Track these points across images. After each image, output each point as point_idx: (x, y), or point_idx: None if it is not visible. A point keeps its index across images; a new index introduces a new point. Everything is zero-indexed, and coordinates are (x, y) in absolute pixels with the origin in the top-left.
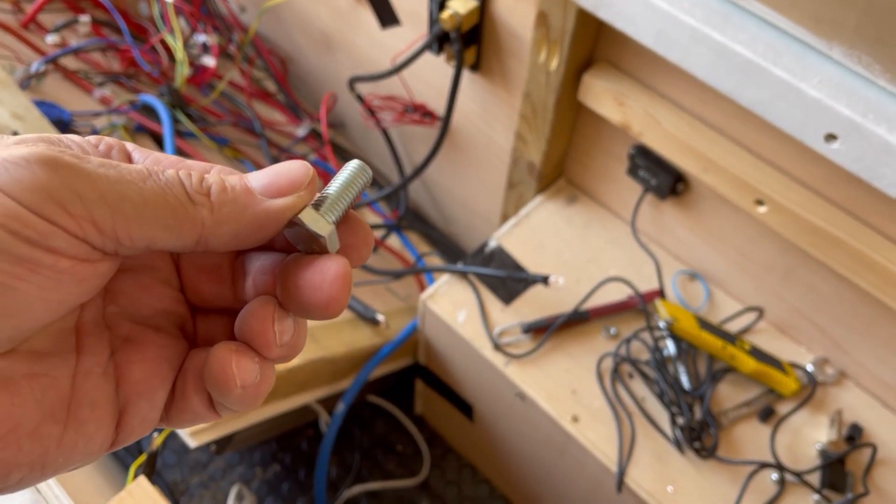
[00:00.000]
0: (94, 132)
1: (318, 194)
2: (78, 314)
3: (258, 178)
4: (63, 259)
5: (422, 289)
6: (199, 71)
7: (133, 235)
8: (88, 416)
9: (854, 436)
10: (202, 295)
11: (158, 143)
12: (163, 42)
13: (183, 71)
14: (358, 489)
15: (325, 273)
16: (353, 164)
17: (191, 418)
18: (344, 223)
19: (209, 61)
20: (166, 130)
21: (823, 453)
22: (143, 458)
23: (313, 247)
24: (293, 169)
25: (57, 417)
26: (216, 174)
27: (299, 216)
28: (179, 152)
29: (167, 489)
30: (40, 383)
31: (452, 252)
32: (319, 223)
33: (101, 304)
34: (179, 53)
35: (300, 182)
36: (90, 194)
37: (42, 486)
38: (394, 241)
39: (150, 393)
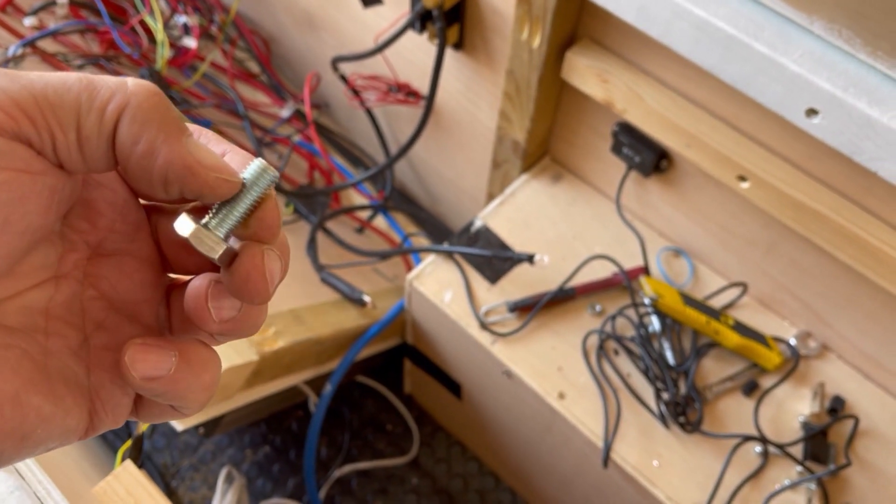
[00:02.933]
0: None
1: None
2: (50, 295)
3: (206, 135)
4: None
5: (409, 269)
6: (180, 52)
7: (62, 121)
8: (65, 392)
9: (836, 408)
10: (184, 266)
11: None
12: (143, 23)
13: (164, 53)
14: (348, 468)
15: (243, 265)
16: (254, 167)
17: (158, 413)
18: (250, 215)
19: (190, 42)
20: None
21: (806, 425)
22: (129, 442)
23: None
24: (224, 161)
25: (37, 388)
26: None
27: (189, 237)
28: None
29: (157, 473)
30: (14, 353)
31: (440, 232)
32: (210, 243)
33: (78, 288)
34: (160, 35)
35: (222, 170)
36: (12, 86)
37: (26, 472)
38: (380, 221)
39: (121, 380)
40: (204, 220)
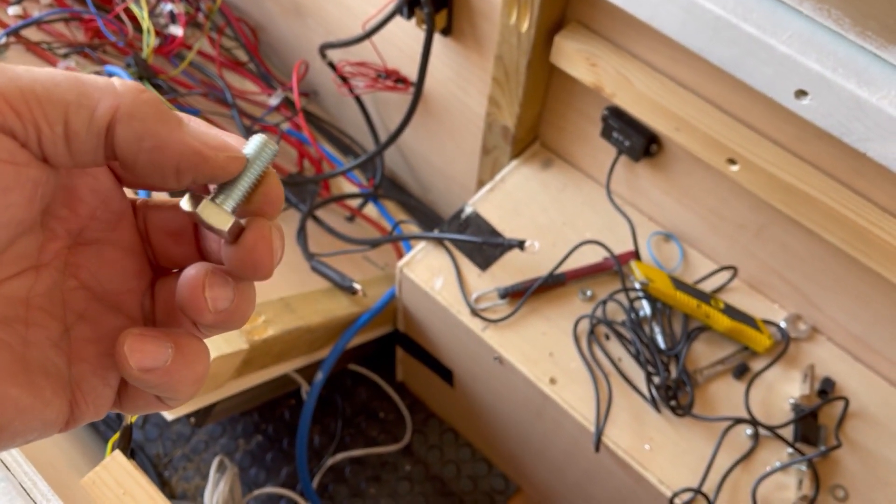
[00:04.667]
0: None
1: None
2: (31, 285)
3: (195, 120)
4: None
5: (400, 256)
6: (166, 41)
7: (49, 115)
8: (44, 383)
9: (826, 389)
10: (171, 257)
11: None
12: (128, 11)
13: (150, 41)
14: (341, 456)
15: (251, 236)
16: (256, 142)
17: (143, 405)
18: (254, 191)
19: (176, 31)
20: None
21: (796, 407)
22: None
23: (214, 230)
24: (228, 138)
25: (16, 380)
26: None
27: (197, 211)
28: None
29: (150, 463)
30: None
31: (430, 219)
32: (219, 217)
33: (59, 277)
34: (145, 23)
35: (228, 150)
36: (0, 78)
37: (11, 462)
38: (370, 209)
39: (103, 371)
40: (210, 197)
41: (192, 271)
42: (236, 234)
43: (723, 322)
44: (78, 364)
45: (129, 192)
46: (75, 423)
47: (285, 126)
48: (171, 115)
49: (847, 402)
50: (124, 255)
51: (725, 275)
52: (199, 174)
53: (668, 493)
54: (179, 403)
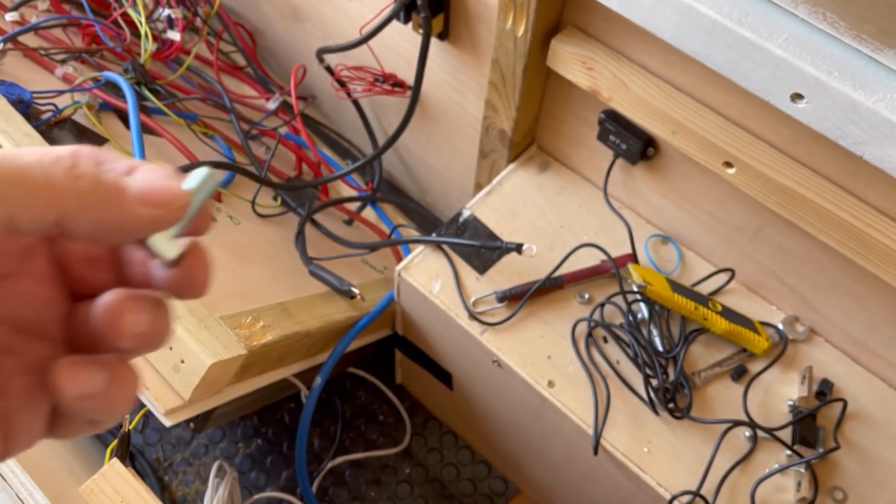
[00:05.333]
0: (57, 111)
1: None
2: None
3: (137, 183)
4: None
5: (398, 260)
6: (164, 45)
7: None
8: None
9: (824, 391)
10: (86, 284)
11: (124, 120)
12: (126, 17)
13: (147, 46)
14: (341, 459)
15: (187, 262)
16: (199, 176)
17: (75, 430)
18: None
19: (174, 35)
20: (130, 108)
21: (795, 409)
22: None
23: (164, 259)
24: (172, 188)
25: None
26: (91, 164)
27: (149, 243)
28: (147, 129)
29: (150, 468)
30: None
31: (428, 222)
32: (170, 248)
33: None
34: (143, 28)
35: (175, 202)
36: None
37: (7, 473)
38: (369, 213)
39: (32, 403)
40: None
41: (108, 298)
42: (179, 258)
43: (720, 324)
44: (6, 398)
45: None
46: (5, 457)
47: (283, 130)
48: (113, 190)
49: (845, 403)
50: (40, 286)
51: (723, 277)
52: (153, 231)
53: (667, 496)
54: (112, 424)
